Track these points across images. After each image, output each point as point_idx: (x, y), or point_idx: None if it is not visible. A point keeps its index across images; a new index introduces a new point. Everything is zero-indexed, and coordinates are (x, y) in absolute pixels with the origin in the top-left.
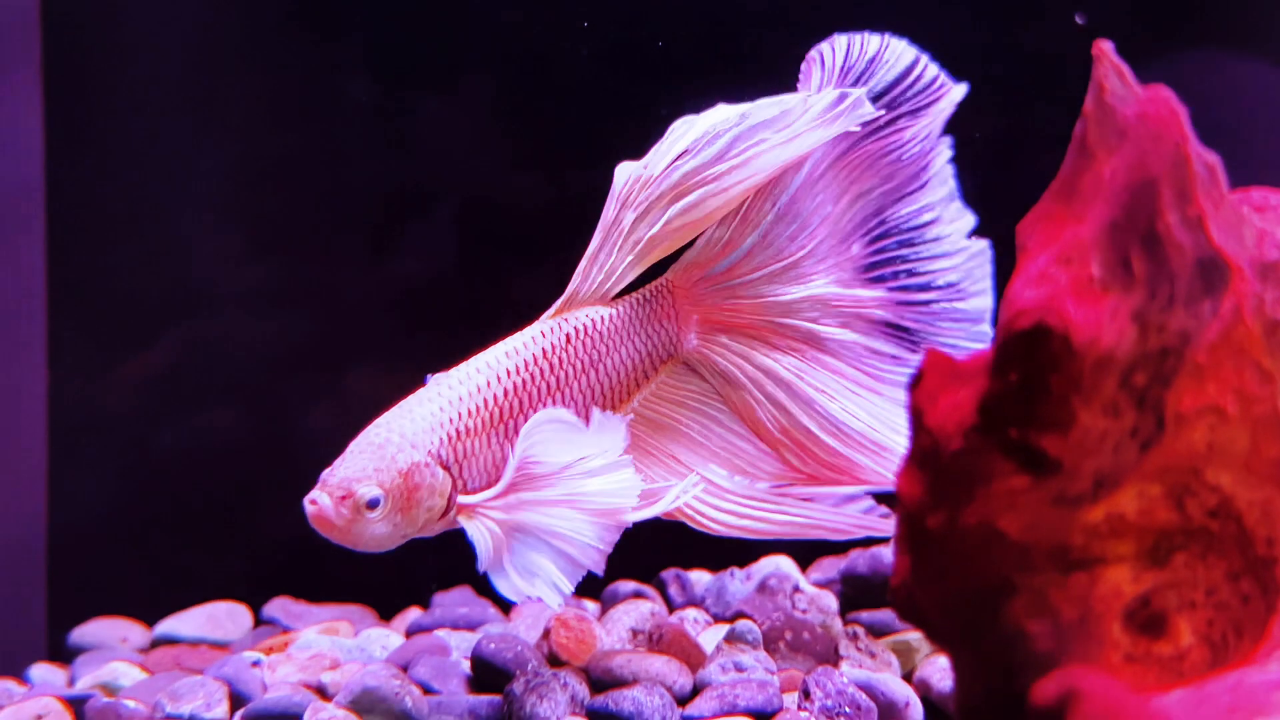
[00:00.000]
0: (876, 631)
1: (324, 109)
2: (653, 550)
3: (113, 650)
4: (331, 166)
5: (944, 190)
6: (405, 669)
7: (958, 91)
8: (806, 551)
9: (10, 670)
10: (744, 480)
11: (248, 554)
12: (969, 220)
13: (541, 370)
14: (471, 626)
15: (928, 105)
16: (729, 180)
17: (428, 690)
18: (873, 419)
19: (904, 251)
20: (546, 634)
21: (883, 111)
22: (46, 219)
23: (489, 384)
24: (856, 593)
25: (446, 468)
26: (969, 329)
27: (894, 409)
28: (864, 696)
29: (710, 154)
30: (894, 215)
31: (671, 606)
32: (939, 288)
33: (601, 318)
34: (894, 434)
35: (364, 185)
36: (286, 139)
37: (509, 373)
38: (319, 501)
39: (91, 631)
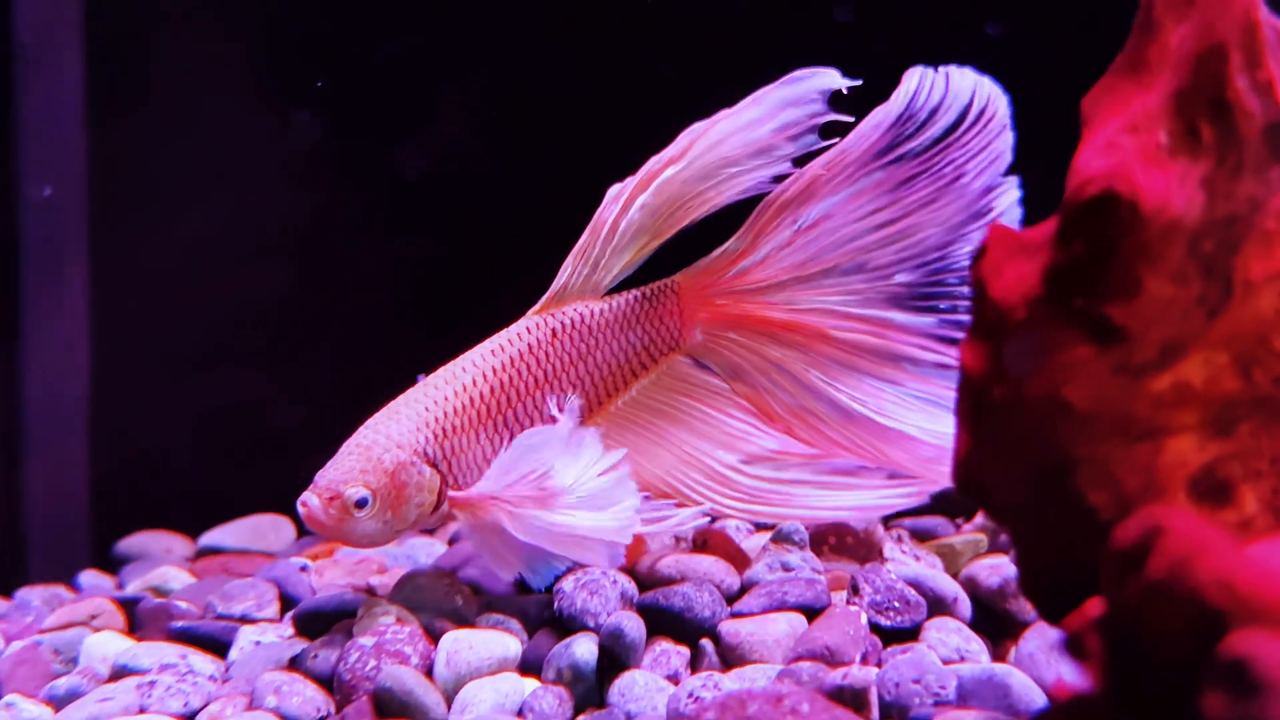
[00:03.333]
0: (920, 537)
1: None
2: None
3: (158, 560)
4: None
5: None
6: (454, 571)
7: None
8: None
9: (59, 578)
10: (746, 461)
11: (286, 472)
12: None
13: (528, 365)
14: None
15: (990, 144)
16: (703, 165)
17: (477, 591)
18: (885, 408)
19: (964, 289)
20: None
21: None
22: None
23: (475, 381)
24: None
25: (434, 465)
26: None
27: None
28: (913, 592)
29: (680, 148)
30: (957, 251)
31: (712, 517)
32: None
33: (591, 312)
34: (902, 421)
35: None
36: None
37: (495, 370)
38: (309, 504)
39: (137, 543)
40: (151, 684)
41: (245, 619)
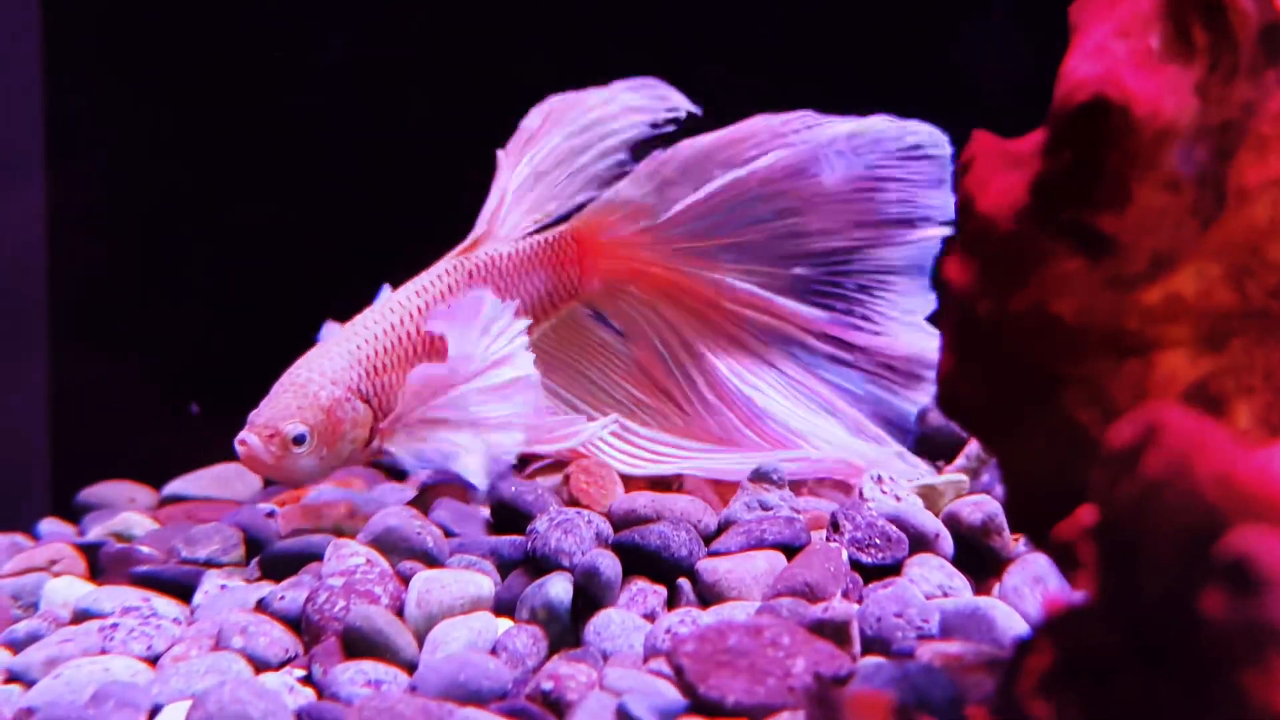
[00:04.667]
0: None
1: None
2: None
3: (121, 508)
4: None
5: (916, 261)
6: (425, 513)
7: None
8: None
9: (17, 528)
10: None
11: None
12: (931, 303)
13: (426, 302)
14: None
15: (916, 179)
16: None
17: (448, 533)
18: (763, 389)
19: (860, 295)
20: (566, 479)
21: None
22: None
23: (401, 321)
24: None
25: (366, 401)
26: (893, 401)
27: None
28: (894, 529)
29: (574, 110)
30: (861, 260)
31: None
32: (877, 351)
33: (501, 255)
34: (787, 412)
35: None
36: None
37: (420, 310)
38: (248, 441)
39: (98, 492)
40: (114, 627)
41: (210, 563)
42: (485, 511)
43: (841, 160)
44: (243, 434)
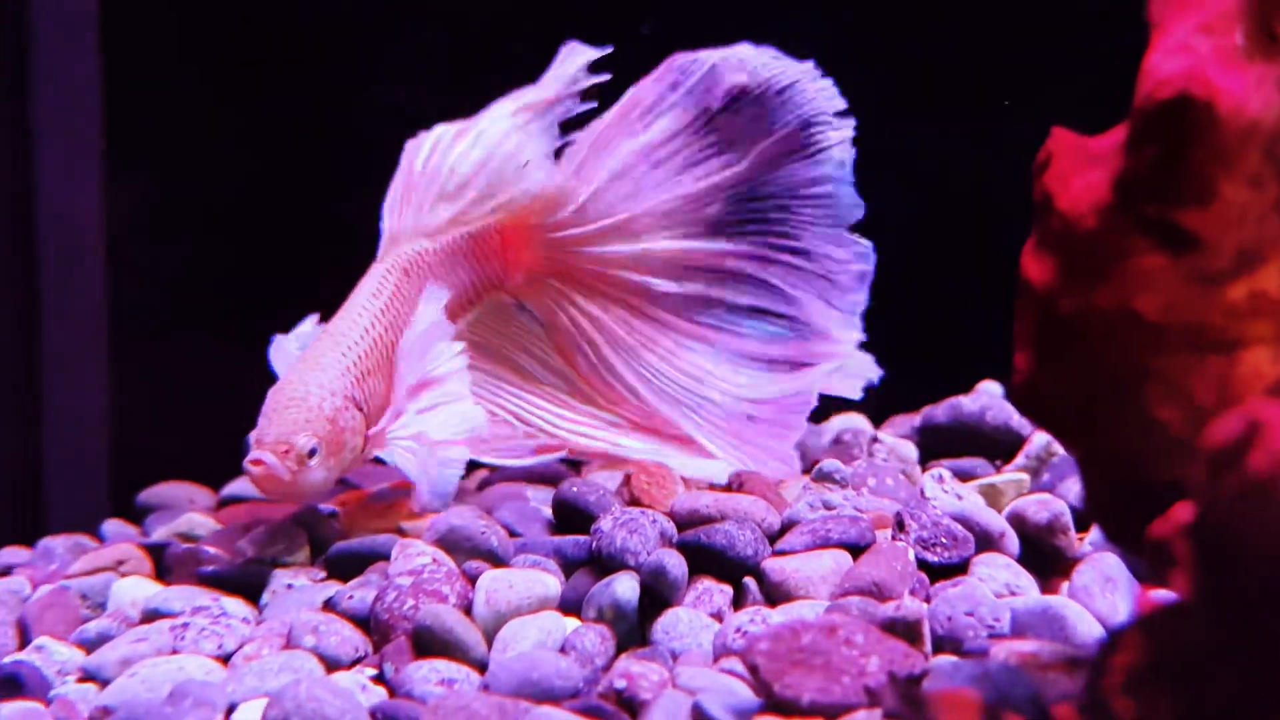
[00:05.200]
0: (961, 476)
1: None
2: None
3: (182, 509)
4: None
5: (830, 168)
6: (489, 512)
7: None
8: (879, 409)
9: (78, 529)
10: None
11: None
12: (858, 209)
13: (398, 307)
14: (543, 480)
15: (789, 89)
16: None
17: (512, 532)
18: (690, 372)
19: (779, 215)
20: (627, 480)
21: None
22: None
23: (372, 325)
24: (935, 442)
25: (360, 408)
26: (837, 303)
27: (725, 359)
28: (959, 527)
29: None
30: (770, 180)
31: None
32: (809, 254)
33: (426, 250)
34: (712, 386)
35: None
36: None
37: (382, 311)
38: (264, 460)
39: (159, 493)
40: (185, 626)
41: (276, 563)
42: (547, 511)
43: (721, 88)
44: (255, 453)
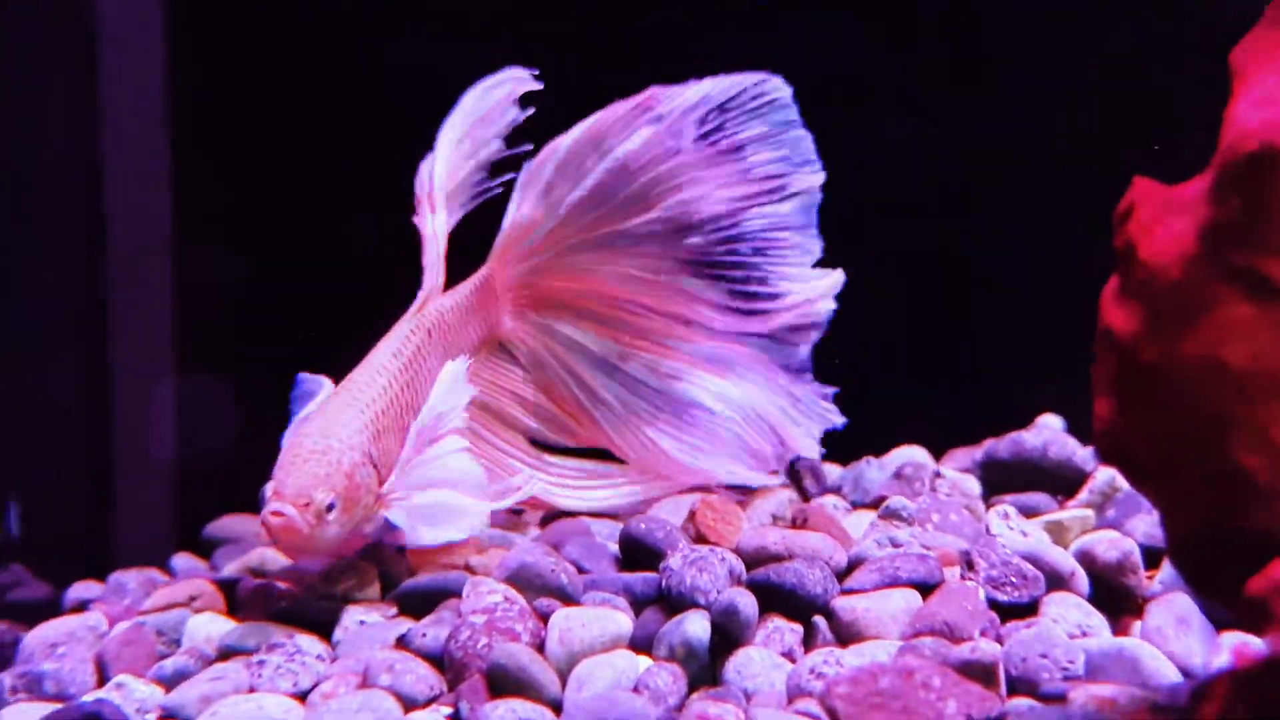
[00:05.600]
0: (1025, 513)
1: None
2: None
3: (249, 543)
4: None
5: (802, 209)
6: (556, 549)
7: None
8: (938, 443)
9: (145, 563)
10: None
11: None
12: (816, 247)
13: (418, 367)
14: (607, 513)
15: (775, 128)
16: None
17: (580, 568)
18: (666, 384)
19: (755, 259)
20: (692, 516)
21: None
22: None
23: (390, 384)
24: (998, 478)
25: (375, 465)
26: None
27: (701, 370)
28: (1029, 566)
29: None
30: (745, 221)
31: (807, 496)
32: (776, 296)
33: (447, 308)
34: (690, 395)
35: None
36: None
37: (400, 372)
38: (284, 512)
39: (225, 526)
40: (260, 663)
41: (347, 599)
42: (613, 547)
43: (702, 126)
44: (275, 505)
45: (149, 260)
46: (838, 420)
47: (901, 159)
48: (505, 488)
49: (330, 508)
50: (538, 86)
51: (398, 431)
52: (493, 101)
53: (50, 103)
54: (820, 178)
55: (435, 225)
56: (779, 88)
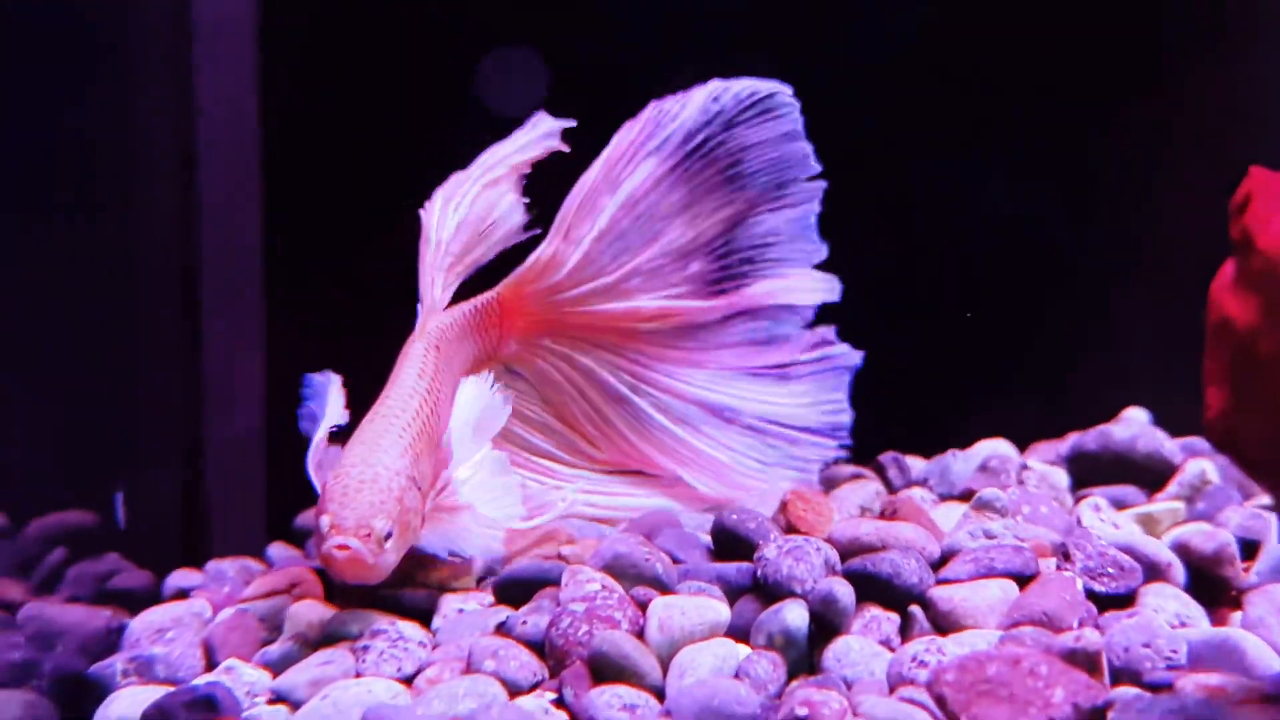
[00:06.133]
0: (1115, 505)
1: None
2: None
3: None
4: None
5: (796, 219)
6: (649, 539)
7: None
8: (1022, 436)
9: (238, 552)
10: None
11: None
12: (819, 251)
13: (433, 385)
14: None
15: (769, 136)
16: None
17: (674, 559)
18: (682, 419)
19: (745, 268)
20: (783, 507)
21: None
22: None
23: (421, 406)
24: (1085, 470)
25: (418, 488)
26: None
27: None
28: (1126, 557)
29: (473, 176)
30: (741, 236)
31: (891, 488)
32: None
33: (447, 325)
34: (708, 435)
35: None
36: None
37: (428, 392)
38: (350, 545)
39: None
40: (365, 649)
41: (444, 588)
42: (705, 538)
43: (705, 146)
44: (338, 539)
45: (240, 255)
46: (830, 455)
47: (983, 156)
48: (540, 504)
49: (388, 535)
50: (562, 148)
51: (430, 452)
52: (514, 158)
53: (147, 101)
54: (819, 187)
55: (441, 236)
56: (784, 98)
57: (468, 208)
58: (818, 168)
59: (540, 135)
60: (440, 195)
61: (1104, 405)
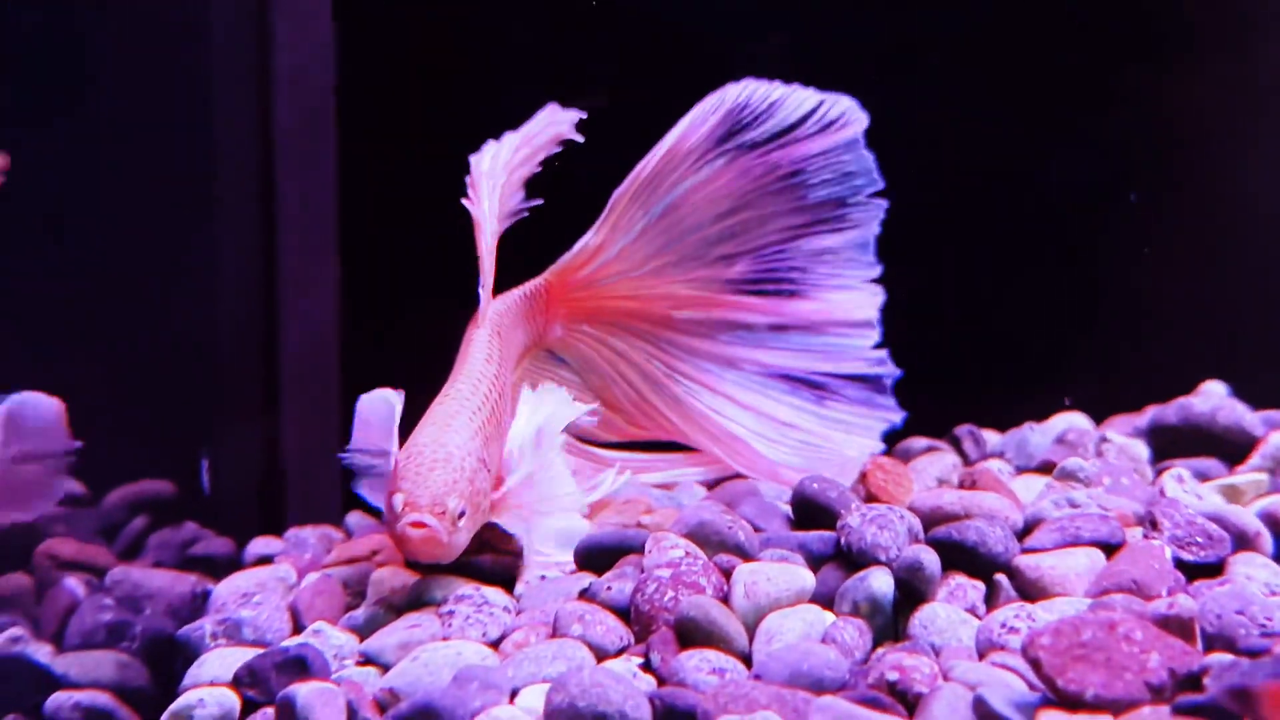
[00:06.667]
0: (1198, 477)
1: None
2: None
3: None
4: None
5: (857, 240)
6: (730, 507)
7: (843, 114)
8: (1099, 409)
9: (318, 520)
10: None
11: None
12: (873, 270)
13: (501, 371)
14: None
15: (834, 146)
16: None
17: (755, 527)
18: (715, 404)
19: (794, 274)
20: (863, 477)
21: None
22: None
23: (489, 390)
24: (1165, 443)
25: (488, 470)
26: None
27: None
28: (1214, 526)
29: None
30: (796, 246)
31: (968, 460)
32: (816, 299)
33: (504, 310)
34: (735, 420)
35: None
36: None
37: (495, 378)
38: (426, 522)
39: None
40: (450, 614)
41: (524, 555)
42: (785, 507)
43: (769, 155)
44: (413, 517)
45: (318, 226)
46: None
47: (1067, 140)
48: (594, 483)
49: (462, 514)
50: (576, 137)
51: (497, 436)
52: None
53: (224, 96)
54: (881, 206)
55: (488, 217)
56: (853, 112)
57: (501, 195)
58: (881, 184)
59: (551, 124)
60: (484, 183)
61: (1177, 379)
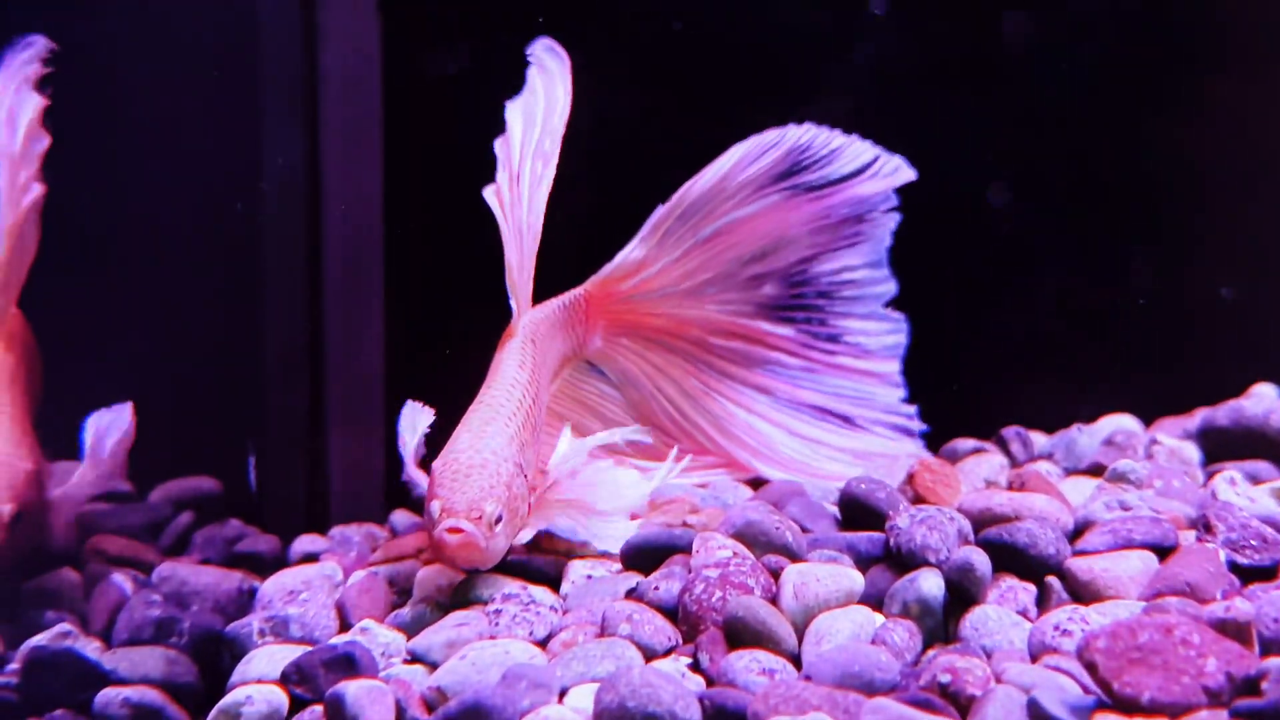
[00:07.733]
0: (1250, 480)
1: None
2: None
3: None
4: None
5: (871, 255)
6: (777, 508)
7: (895, 168)
8: (1146, 411)
9: (362, 519)
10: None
11: None
12: (889, 288)
13: (533, 377)
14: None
15: (852, 179)
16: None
17: (803, 528)
18: (753, 422)
19: (819, 301)
20: (911, 478)
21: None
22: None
23: (524, 396)
24: (1216, 445)
25: (525, 475)
26: (874, 386)
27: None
28: (1270, 530)
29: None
30: (816, 268)
31: (1015, 462)
32: (845, 343)
33: (541, 319)
34: (774, 438)
35: None
36: None
37: (529, 384)
38: (463, 528)
39: None
40: (498, 612)
41: (571, 554)
42: (832, 508)
43: (817, 201)
44: (450, 522)
45: (364, 230)
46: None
47: (1111, 138)
48: (652, 471)
49: (499, 520)
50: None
51: (533, 442)
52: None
53: (272, 108)
54: (893, 219)
55: (511, 245)
56: (905, 172)
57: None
58: (895, 200)
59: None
60: (503, 192)
61: (1222, 383)
